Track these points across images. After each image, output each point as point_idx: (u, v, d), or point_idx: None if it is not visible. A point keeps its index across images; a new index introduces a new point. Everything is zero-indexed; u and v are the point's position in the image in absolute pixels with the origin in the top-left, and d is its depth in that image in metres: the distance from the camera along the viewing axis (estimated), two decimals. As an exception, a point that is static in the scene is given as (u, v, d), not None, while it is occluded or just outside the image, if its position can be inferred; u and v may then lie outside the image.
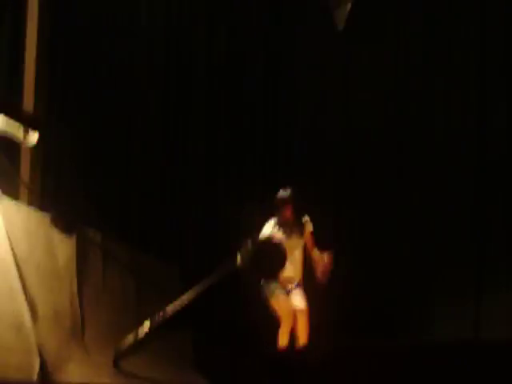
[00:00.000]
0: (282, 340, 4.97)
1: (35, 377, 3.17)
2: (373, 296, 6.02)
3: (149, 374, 2.94)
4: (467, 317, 6.27)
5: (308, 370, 3.79)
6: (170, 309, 2.73)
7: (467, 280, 6.41)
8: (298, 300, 5.16)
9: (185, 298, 2.72)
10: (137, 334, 2.77)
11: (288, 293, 5.12)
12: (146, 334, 2.69)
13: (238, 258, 2.54)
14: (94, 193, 5.40)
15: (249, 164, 6.31)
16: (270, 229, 4.69)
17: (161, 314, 2.80)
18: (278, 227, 4.69)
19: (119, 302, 4.02)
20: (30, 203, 5.01)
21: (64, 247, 3.74)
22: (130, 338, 2.87)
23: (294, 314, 4.95)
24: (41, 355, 3.25)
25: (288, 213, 4.72)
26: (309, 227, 5.14)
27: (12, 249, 3.39)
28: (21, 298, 3.32)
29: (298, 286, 5.23)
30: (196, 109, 6.38)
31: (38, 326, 3.35)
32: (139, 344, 2.78)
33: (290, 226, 4.77)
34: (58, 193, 5.38)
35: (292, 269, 5.07)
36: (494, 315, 6.21)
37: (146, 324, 2.81)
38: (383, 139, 6.10)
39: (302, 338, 4.98)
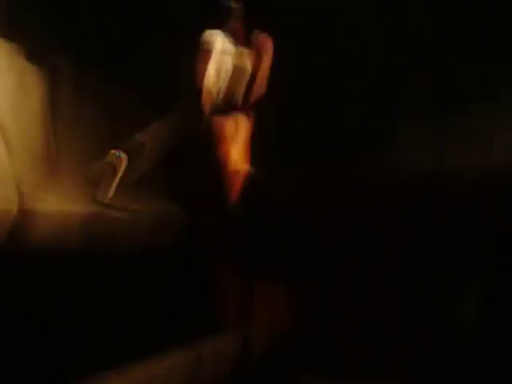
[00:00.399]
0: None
1: (15, 206, 3.30)
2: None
3: (123, 203, 3.07)
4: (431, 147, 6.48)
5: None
6: (140, 138, 2.81)
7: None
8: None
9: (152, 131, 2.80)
10: (104, 162, 2.85)
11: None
12: (113, 163, 2.78)
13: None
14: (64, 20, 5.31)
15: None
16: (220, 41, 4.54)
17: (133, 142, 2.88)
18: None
19: (93, 135, 4.11)
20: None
21: (36, 79, 3.76)
22: (98, 166, 2.96)
23: None
24: (19, 187, 3.36)
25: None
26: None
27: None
28: (-5, 129, 3.39)
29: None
30: None
31: (15, 160, 3.44)
32: (110, 172, 2.88)
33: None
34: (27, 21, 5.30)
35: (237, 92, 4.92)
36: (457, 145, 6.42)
37: (111, 152, 2.89)
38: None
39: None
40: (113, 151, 3.42)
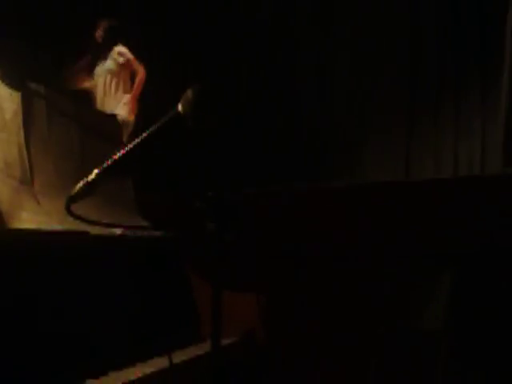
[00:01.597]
0: None
1: (-10, 224, 3.40)
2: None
3: (97, 218, 3.17)
4: (399, 161, 6.66)
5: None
6: (116, 155, 2.92)
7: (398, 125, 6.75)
8: None
9: (130, 145, 2.91)
10: (86, 181, 2.97)
11: None
12: (94, 180, 2.88)
13: (179, 105, 2.73)
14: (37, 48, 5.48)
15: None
16: None
17: (107, 161, 3.00)
18: None
19: (65, 152, 4.22)
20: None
21: (10, 101, 3.87)
22: (79, 185, 3.08)
23: None
24: (-6, 205, 3.46)
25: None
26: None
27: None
28: (-30, 150, 3.49)
29: None
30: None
31: (-10, 178, 3.55)
32: (88, 190, 2.98)
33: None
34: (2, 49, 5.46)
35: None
36: (424, 159, 6.61)
37: (94, 171, 3.01)
38: None
39: None
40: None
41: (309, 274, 4.61)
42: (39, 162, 4.02)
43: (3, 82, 3.28)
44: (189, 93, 2.78)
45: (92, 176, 3.11)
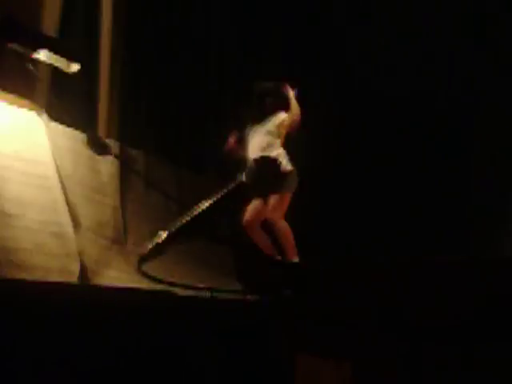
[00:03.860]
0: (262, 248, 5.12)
1: (75, 279, 3.60)
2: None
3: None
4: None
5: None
6: (187, 217, 3.07)
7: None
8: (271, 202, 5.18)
9: (198, 209, 3.05)
10: (155, 242, 3.12)
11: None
12: (166, 240, 3.03)
13: (242, 175, 2.84)
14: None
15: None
16: None
17: (178, 222, 3.14)
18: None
19: (161, 215, 4.41)
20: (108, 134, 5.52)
21: (107, 165, 4.14)
22: (149, 246, 3.23)
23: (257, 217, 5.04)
24: (81, 260, 3.66)
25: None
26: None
27: (56, 166, 3.79)
28: (64, 209, 3.72)
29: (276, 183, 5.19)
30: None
31: (80, 235, 3.75)
32: (158, 251, 3.13)
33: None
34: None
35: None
36: None
37: (163, 233, 3.16)
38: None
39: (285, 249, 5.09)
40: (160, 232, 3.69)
41: (399, 340, 4.48)
42: (134, 223, 4.21)
43: (91, 148, 3.52)
44: (252, 164, 2.88)
45: (161, 238, 3.26)
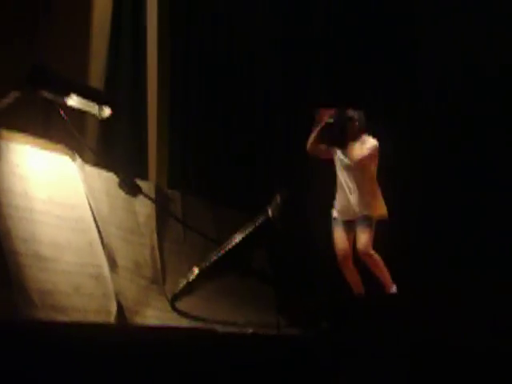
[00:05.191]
0: (350, 284, 5.15)
1: (113, 319, 3.64)
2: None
3: (209, 316, 3.30)
4: None
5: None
6: (215, 254, 3.09)
7: None
8: (360, 238, 5.17)
9: (229, 244, 3.07)
10: (187, 280, 3.15)
11: (349, 227, 5.17)
12: (197, 277, 3.05)
13: (269, 210, 2.86)
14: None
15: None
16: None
17: (210, 258, 3.16)
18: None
19: (200, 253, 4.44)
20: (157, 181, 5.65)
21: (144, 207, 4.20)
22: (181, 283, 3.25)
23: (350, 253, 5.04)
24: (118, 300, 3.70)
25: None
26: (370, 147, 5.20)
27: (92, 209, 3.86)
28: (100, 251, 3.78)
29: (364, 219, 5.24)
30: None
31: (117, 276, 3.80)
32: (190, 288, 3.15)
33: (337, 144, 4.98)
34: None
35: (351, 197, 5.11)
36: None
37: (195, 270, 3.18)
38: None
39: (382, 280, 5.07)
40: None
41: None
42: (172, 262, 4.25)
43: (123, 190, 3.58)
44: (277, 198, 2.90)
45: (193, 275, 3.28)
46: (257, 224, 2.88)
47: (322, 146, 5.39)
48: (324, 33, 7.37)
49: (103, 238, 3.82)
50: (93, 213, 3.83)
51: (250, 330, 4.22)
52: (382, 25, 7.05)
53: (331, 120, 5.22)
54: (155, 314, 3.89)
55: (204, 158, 7.23)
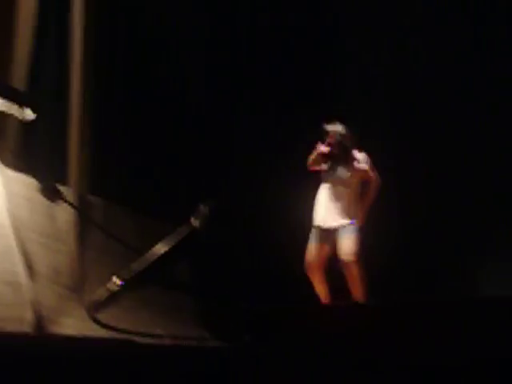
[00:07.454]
0: (319, 294, 5.10)
1: (29, 328, 3.52)
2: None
3: (129, 326, 3.24)
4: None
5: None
6: (137, 264, 3.04)
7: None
8: (343, 245, 5.15)
9: (151, 259, 3.02)
10: (108, 291, 3.08)
11: (326, 236, 5.17)
12: (118, 288, 2.99)
13: (193, 221, 2.82)
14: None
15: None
16: None
17: (132, 268, 3.11)
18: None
19: (120, 262, 4.36)
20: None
21: (65, 213, 4.10)
22: (102, 292, 3.19)
23: (323, 263, 5.03)
24: (36, 309, 3.59)
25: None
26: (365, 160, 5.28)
27: (11, 214, 3.74)
28: (18, 258, 3.67)
29: (348, 227, 5.27)
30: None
31: (35, 283, 3.69)
32: (110, 299, 3.09)
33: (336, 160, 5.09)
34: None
35: (337, 206, 5.16)
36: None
37: (116, 280, 3.12)
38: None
39: (353, 292, 5.07)
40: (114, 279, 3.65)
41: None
42: (92, 271, 4.16)
43: (45, 195, 3.49)
44: (202, 209, 2.87)
45: (115, 286, 3.21)
46: (181, 235, 2.84)
47: (323, 161, 5.43)
48: (249, 32, 7.38)
49: (22, 244, 3.71)
50: (13, 218, 3.72)
51: (168, 341, 4.17)
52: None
53: (339, 138, 5.35)
54: (74, 324, 3.80)
55: (128, 165, 7.13)
